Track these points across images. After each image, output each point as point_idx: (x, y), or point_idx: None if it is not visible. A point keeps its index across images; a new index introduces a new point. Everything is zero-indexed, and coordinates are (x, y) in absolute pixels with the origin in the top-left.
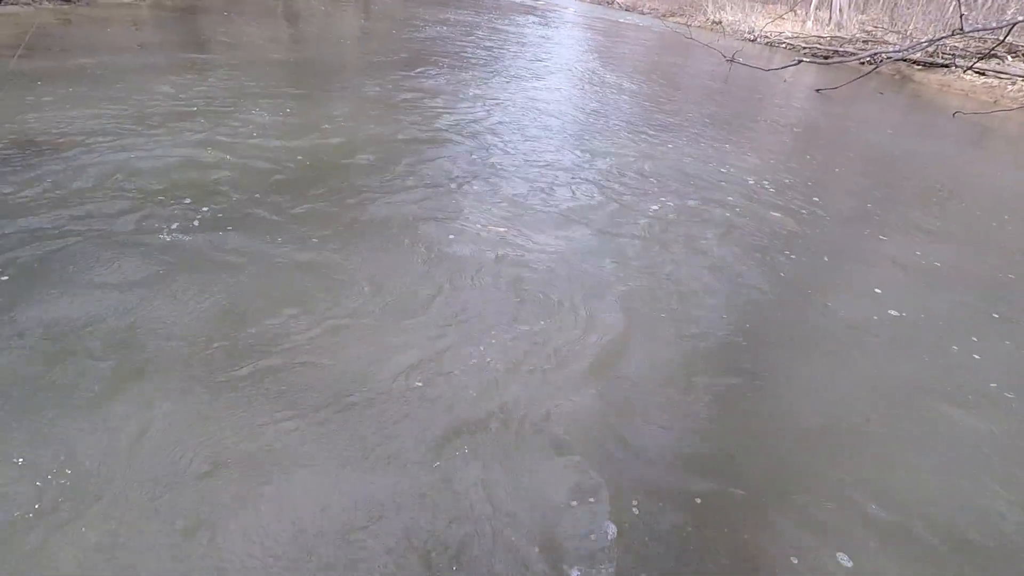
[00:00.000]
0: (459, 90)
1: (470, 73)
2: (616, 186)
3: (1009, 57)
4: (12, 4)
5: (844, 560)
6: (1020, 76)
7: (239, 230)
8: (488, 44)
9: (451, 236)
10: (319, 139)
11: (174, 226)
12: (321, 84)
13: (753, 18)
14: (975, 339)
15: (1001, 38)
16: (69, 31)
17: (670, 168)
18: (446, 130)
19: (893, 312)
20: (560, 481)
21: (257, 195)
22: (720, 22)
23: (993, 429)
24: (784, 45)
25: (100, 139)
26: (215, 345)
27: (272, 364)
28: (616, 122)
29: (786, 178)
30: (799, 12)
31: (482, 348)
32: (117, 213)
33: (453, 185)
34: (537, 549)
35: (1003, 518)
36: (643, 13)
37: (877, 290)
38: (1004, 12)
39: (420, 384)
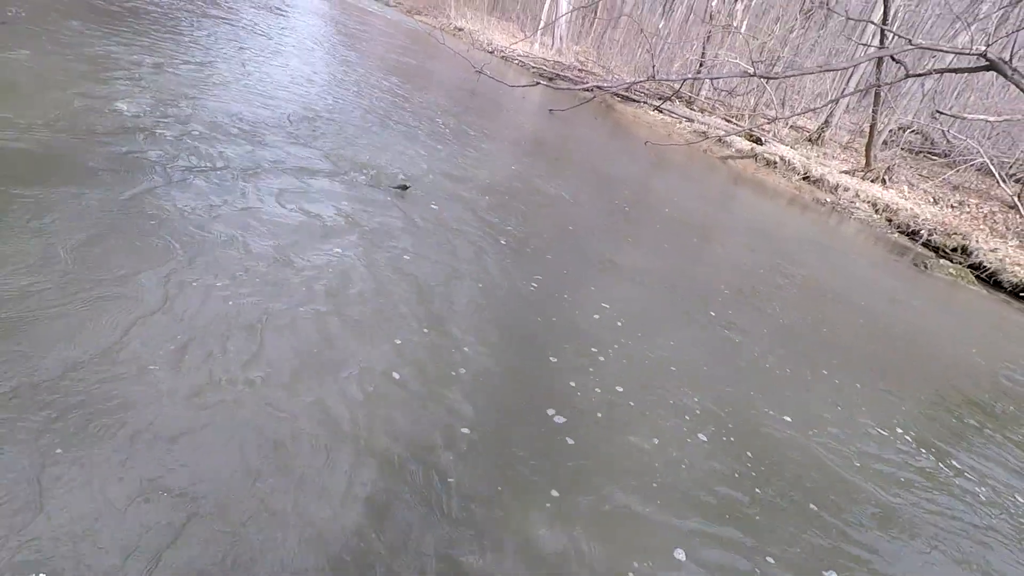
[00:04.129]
0: (198, 77)
1: (207, 51)
2: (365, 203)
3: (678, 101)
4: None
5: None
6: (685, 117)
7: None
8: (227, 17)
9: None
10: None
11: None
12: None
13: (490, 32)
14: (672, 327)
15: (676, 87)
16: None
17: (430, 178)
18: (142, 119)
19: (616, 315)
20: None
21: None
22: (463, 29)
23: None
24: (517, 62)
25: None
26: None
27: None
28: (373, 130)
29: (525, 191)
30: (528, 35)
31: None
32: None
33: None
34: None
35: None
36: (389, 4)
37: (604, 304)
38: (672, 64)
39: None
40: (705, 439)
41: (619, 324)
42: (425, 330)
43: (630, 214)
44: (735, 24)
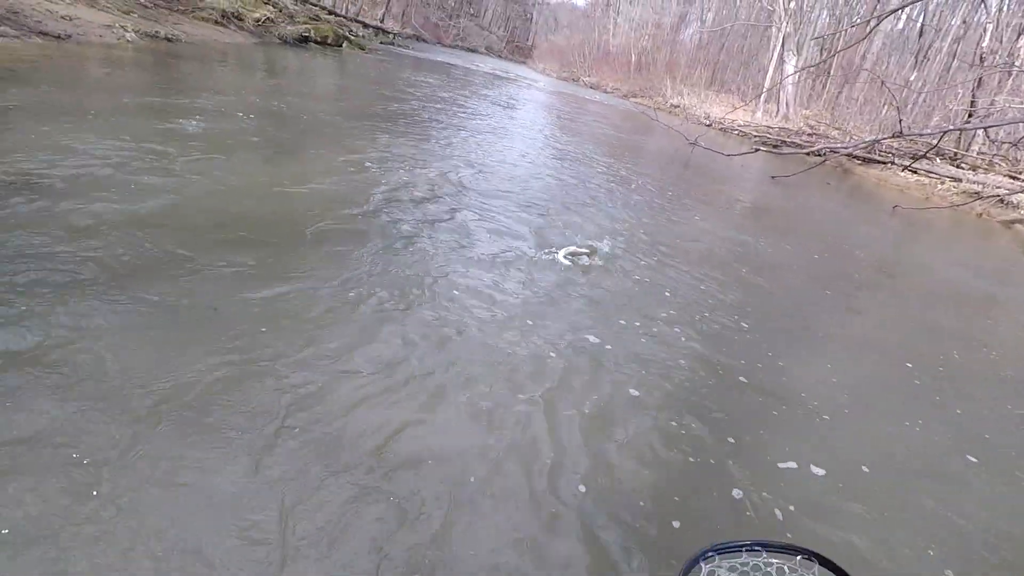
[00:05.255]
0: (431, 153)
1: (442, 136)
2: (610, 264)
3: (938, 159)
4: (1, 36)
5: None
6: (948, 177)
7: (203, 280)
8: (462, 109)
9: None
10: (295, 192)
11: (135, 273)
12: (295, 139)
13: (708, 105)
14: (900, 400)
15: (933, 143)
16: (52, 67)
17: (647, 242)
18: (421, 191)
19: (835, 380)
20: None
21: (213, 252)
22: (678, 106)
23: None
24: (736, 132)
25: (70, 182)
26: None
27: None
28: (594, 197)
29: (739, 258)
30: (750, 103)
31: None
32: (93, 256)
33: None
34: None
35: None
36: (606, 91)
37: (828, 363)
38: (930, 118)
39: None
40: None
41: (841, 407)
42: (608, 389)
43: (867, 284)
44: (1018, 64)
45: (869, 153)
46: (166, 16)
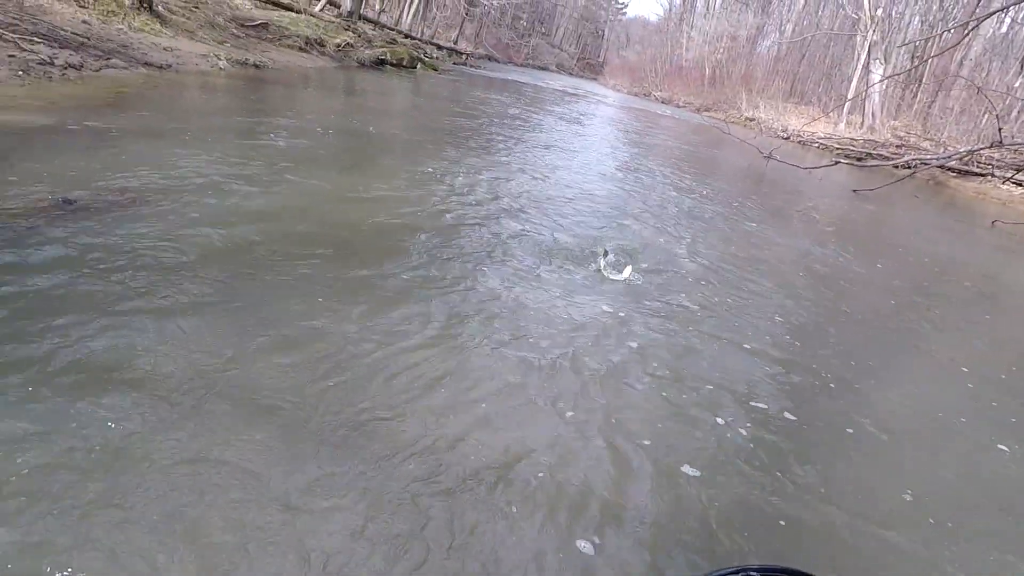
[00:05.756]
0: (495, 165)
1: (507, 149)
2: (665, 276)
3: None
4: (112, 68)
5: None
6: None
7: (281, 289)
8: (530, 125)
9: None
10: (375, 207)
11: (230, 283)
12: (368, 153)
13: (785, 117)
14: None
15: None
16: (154, 94)
17: (720, 258)
18: (498, 205)
19: (924, 409)
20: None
21: (300, 264)
22: (753, 119)
23: None
24: (817, 145)
25: (168, 195)
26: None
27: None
28: (658, 208)
29: (812, 273)
30: (832, 115)
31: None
32: (185, 267)
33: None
34: None
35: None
36: (679, 106)
37: (913, 388)
38: None
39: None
40: None
41: (926, 439)
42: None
43: (959, 302)
44: None
45: (965, 164)
46: (255, 45)
